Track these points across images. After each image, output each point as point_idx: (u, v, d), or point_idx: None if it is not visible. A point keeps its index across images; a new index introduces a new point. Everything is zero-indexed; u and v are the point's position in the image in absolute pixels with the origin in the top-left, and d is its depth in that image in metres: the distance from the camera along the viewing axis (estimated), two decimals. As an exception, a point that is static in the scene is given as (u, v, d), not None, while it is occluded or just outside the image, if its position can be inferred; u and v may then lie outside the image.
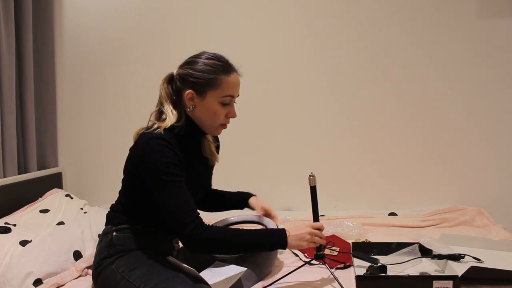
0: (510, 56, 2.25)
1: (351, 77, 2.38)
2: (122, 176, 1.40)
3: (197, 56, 1.35)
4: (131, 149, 1.33)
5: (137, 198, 1.34)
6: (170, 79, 1.37)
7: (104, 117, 2.60)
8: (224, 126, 1.38)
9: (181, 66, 1.36)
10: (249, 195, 1.63)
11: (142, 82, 2.53)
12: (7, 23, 2.24)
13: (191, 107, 1.33)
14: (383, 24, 2.34)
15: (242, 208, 1.64)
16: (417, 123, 2.35)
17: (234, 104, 1.37)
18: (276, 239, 1.27)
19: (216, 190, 1.67)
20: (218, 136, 1.54)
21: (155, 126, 1.30)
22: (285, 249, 1.28)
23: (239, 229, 1.29)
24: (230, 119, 1.38)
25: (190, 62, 1.34)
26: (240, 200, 1.63)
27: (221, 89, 1.31)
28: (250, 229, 1.29)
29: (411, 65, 2.33)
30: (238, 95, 1.38)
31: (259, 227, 1.64)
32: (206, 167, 1.49)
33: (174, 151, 1.25)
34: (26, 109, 2.41)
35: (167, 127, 1.30)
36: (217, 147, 1.55)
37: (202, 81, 1.30)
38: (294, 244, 1.27)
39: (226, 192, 1.66)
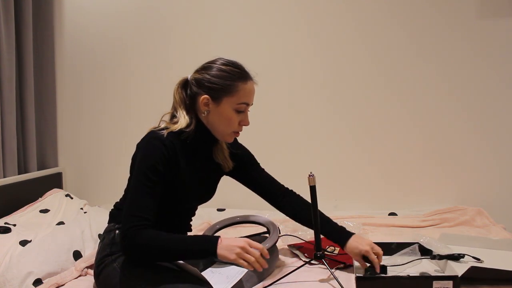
0: (510, 56, 2.25)
1: (351, 77, 2.38)
2: (122, 176, 1.40)
3: (213, 61, 1.34)
4: (137, 145, 1.34)
5: None
6: (184, 84, 1.36)
7: (104, 117, 2.60)
8: (236, 133, 1.38)
9: (197, 71, 1.35)
10: (348, 234, 1.43)
11: (142, 82, 2.53)
12: (7, 23, 2.24)
13: (205, 112, 1.33)
14: (383, 24, 2.34)
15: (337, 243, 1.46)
16: (417, 123, 2.35)
17: (248, 112, 1.36)
18: (206, 245, 1.20)
19: (297, 195, 1.56)
20: (238, 141, 1.54)
21: (163, 126, 1.32)
22: (215, 256, 1.19)
23: (173, 235, 1.25)
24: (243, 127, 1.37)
25: (207, 67, 1.33)
26: (338, 236, 1.44)
27: (237, 96, 1.30)
28: (184, 236, 1.30)
29: (411, 65, 2.33)
30: (252, 104, 1.37)
31: (262, 228, 1.65)
32: (214, 172, 1.48)
33: (167, 156, 1.26)
34: (26, 109, 2.41)
35: (175, 130, 1.30)
36: (235, 154, 1.50)
37: (219, 87, 1.30)
38: (222, 253, 1.18)
39: (325, 217, 1.49)
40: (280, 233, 1.62)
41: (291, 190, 1.58)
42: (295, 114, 2.44)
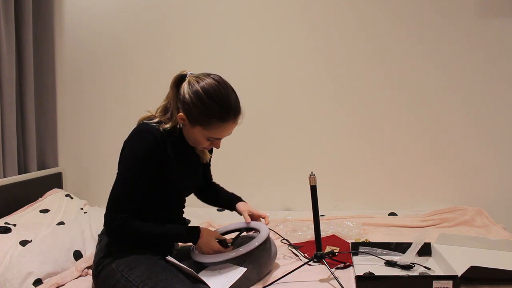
0: (510, 56, 2.25)
1: (352, 77, 2.38)
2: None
3: (203, 85, 1.28)
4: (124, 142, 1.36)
5: None
6: (178, 81, 1.34)
7: (104, 117, 2.60)
8: (206, 148, 1.43)
9: (189, 83, 1.30)
10: (238, 199, 1.61)
11: (142, 82, 2.53)
12: (7, 23, 2.24)
13: (181, 124, 1.36)
14: (383, 24, 2.34)
15: (231, 210, 1.62)
16: (417, 123, 2.35)
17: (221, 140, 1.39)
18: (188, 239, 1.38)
19: (216, 185, 1.68)
20: None
21: (156, 120, 1.33)
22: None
23: (155, 228, 1.32)
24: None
25: (194, 90, 1.28)
26: (229, 201, 1.61)
27: (210, 131, 1.31)
28: (165, 229, 1.34)
29: (411, 66, 2.33)
30: (229, 134, 1.37)
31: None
32: (198, 162, 1.52)
33: (156, 148, 1.28)
34: (26, 109, 2.41)
35: (167, 128, 1.32)
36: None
37: (196, 117, 1.29)
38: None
39: (222, 190, 1.67)
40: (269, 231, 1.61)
41: (214, 183, 1.69)
42: (295, 113, 2.44)
